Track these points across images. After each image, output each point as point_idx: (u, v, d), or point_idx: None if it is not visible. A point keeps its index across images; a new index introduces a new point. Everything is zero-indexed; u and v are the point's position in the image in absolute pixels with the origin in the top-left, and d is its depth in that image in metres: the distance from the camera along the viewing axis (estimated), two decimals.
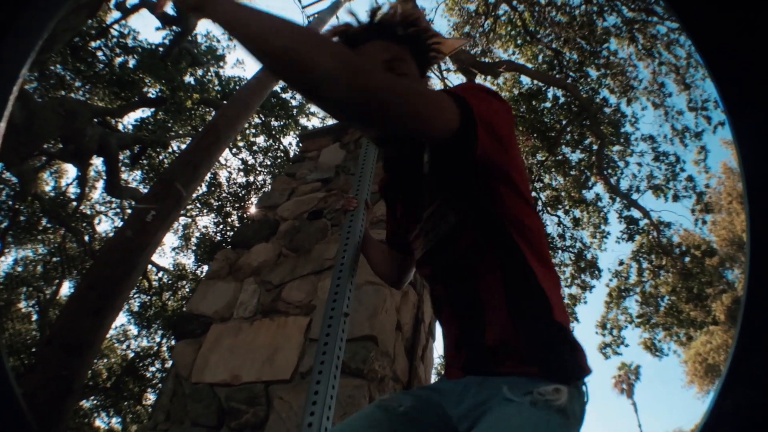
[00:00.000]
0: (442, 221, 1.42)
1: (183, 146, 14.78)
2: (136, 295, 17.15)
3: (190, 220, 17.72)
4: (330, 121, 16.74)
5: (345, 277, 2.08)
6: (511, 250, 1.32)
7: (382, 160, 1.70)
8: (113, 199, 16.50)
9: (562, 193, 14.85)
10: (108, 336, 12.32)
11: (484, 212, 1.35)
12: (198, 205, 17.05)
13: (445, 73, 14.94)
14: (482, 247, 1.35)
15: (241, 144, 16.27)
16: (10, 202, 14.97)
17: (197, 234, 17.99)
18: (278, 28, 0.99)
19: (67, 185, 17.40)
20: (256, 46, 0.99)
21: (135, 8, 14.76)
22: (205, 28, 17.10)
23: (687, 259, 14.73)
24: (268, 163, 16.71)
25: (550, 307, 1.26)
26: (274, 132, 16.28)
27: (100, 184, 16.77)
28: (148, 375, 17.53)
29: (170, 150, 15.58)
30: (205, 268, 16.24)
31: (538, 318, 1.26)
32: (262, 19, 1.01)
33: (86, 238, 16.12)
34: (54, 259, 17.44)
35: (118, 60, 14.88)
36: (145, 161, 15.47)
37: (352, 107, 1.01)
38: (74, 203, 15.87)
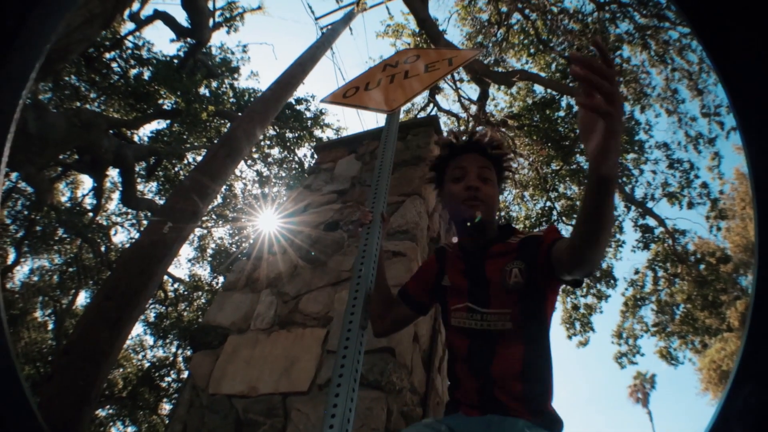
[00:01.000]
0: (499, 322, 1.84)
1: (198, 158, 14.86)
2: (152, 306, 17.25)
3: (205, 231, 17.82)
4: (344, 132, 16.83)
5: (362, 291, 2.07)
6: (539, 341, 1.86)
7: (462, 239, 2.11)
8: (129, 210, 16.58)
9: (577, 202, 14.78)
10: (124, 346, 12.37)
11: (535, 320, 1.86)
12: (213, 216, 17.12)
13: (458, 83, 14.94)
14: (517, 337, 1.83)
15: (256, 155, 16.33)
16: (27, 212, 15.10)
17: (213, 245, 18.08)
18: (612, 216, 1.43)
19: (83, 196, 17.54)
20: (608, 215, 1.38)
21: (149, 20, 14.88)
22: (219, 40, 17.23)
23: (702, 266, 14.62)
24: (283, 174, 16.76)
25: (550, 392, 1.84)
26: (288, 144, 16.33)
27: (116, 195, 16.90)
28: (164, 385, 17.60)
29: (186, 162, 15.68)
30: (221, 279, 16.32)
31: (535, 382, 1.81)
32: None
33: (102, 248, 16.21)
34: (70, 269, 17.56)
35: (133, 71, 15.01)
36: (160, 173, 15.55)
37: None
38: (90, 214, 15.98)
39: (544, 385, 1.82)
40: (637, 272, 15.51)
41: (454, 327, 1.98)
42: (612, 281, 14.88)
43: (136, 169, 14.05)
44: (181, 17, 14.93)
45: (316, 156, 7.62)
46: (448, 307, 2.02)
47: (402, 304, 2.22)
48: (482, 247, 1.99)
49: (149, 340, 18.64)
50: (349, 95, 3.22)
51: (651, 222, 14.73)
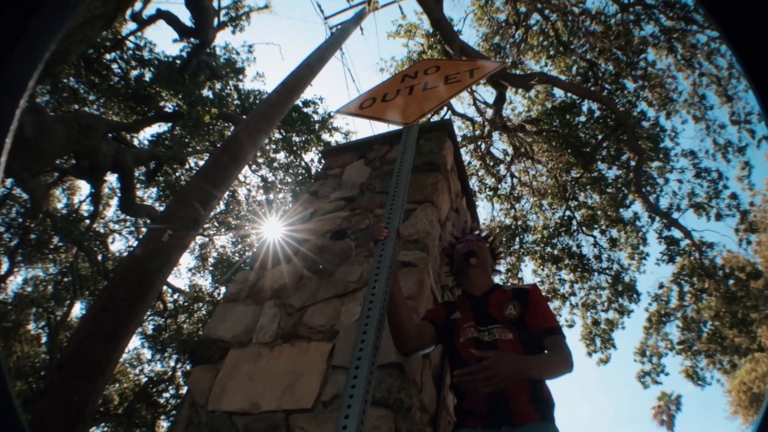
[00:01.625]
0: (503, 333, 2.55)
1: (200, 163, 14.91)
2: (150, 318, 17.25)
3: (207, 239, 17.85)
4: (354, 137, 16.83)
5: (375, 309, 2.07)
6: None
7: (462, 288, 3.12)
8: (128, 217, 16.63)
9: (598, 212, 14.71)
10: (121, 360, 12.38)
11: (531, 340, 2.55)
12: (215, 223, 17.15)
13: (474, 85, 14.92)
14: (518, 345, 2.51)
15: (260, 160, 16.36)
16: (21, 220, 15.17)
17: (214, 254, 18.11)
18: (556, 363, 2.45)
19: (80, 202, 17.62)
20: (555, 375, 2.37)
21: (151, 19, 14.99)
22: (224, 40, 17.27)
23: (731, 281, 14.46)
24: (289, 180, 16.79)
25: (548, 387, 2.49)
26: (295, 148, 16.34)
27: (114, 202, 16.97)
28: (162, 401, 17.58)
29: (187, 166, 15.74)
30: (222, 289, 16.31)
31: (542, 392, 2.41)
32: (548, 362, 2.49)
33: (99, 257, 16.26)
34: (65, 279, 17.60)
35: (134, 73, 15.12)
36: (161, 178, 15.61)
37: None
38: (87, 221, 16.04)
39: (547, 394, 2.44)
40: (661, 286, 15.34)
41: (463, 343, 2.59)
42: (635, 296, 14.74)
43: (136, 174, 14.11)
44: (185, 17, 15.04)
45: (323, 161, 7.60)
46: (457, 331, 2.71)
47: (431, 326, 2.83)
48: (484, 295, 2.84)
49: (147, 353, 18.65)
50: (366, 106, 3.25)
51: (676, 234, 14.58)
